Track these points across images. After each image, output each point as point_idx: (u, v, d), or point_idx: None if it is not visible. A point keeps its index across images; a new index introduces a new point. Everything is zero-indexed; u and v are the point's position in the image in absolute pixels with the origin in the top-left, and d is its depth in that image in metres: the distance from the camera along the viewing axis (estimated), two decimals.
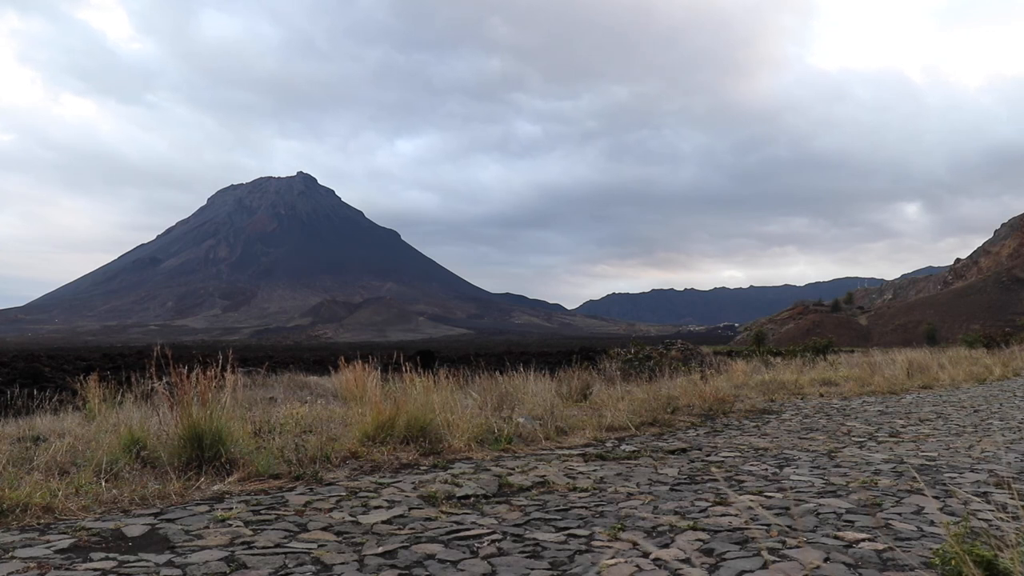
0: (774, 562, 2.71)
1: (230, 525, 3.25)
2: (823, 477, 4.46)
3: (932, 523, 3.32)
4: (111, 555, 2.82)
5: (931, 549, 2.78)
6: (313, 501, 3.73)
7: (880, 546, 2.94)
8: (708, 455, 5.30)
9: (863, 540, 3.03)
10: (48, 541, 2.99)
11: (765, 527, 3.20)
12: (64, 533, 3.11)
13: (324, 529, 3.22)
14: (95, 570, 2.63)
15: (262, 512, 3.50)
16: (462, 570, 2.68)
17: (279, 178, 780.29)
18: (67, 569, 2.64)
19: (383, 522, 3.34)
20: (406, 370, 6.61)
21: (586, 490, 4.06)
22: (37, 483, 3.69)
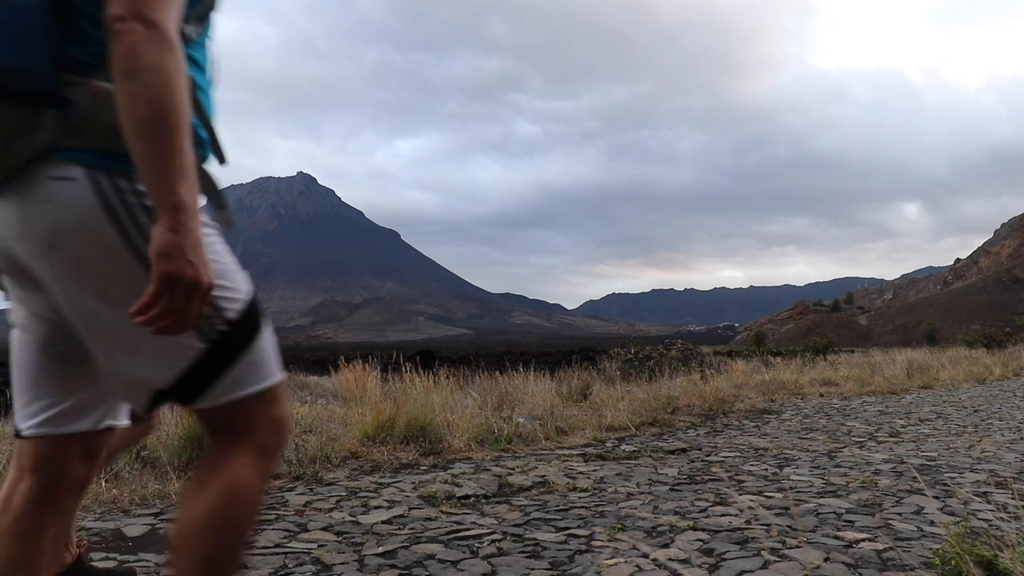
0: (774, 562, 2.72)
1: None
2: (823, 477, 4.46)
3: (932, 523, 3.32)
4: (111, 555, 2.81)
5: (931, 549, 2.78)
6: (313, 501, 3.73)
7: (880, 546, 2.94)
8: (708, 455, 5.30)
9: (863, 540, 3.03)
10: None
11: (765, 527, 3.20)
12: None
13: (324, 529, 3.22)
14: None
15: (262, 512, 3.50)
16: (462, 570, 2.68)
17: (279, 178, 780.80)
18: None
19: (383, 522, 3.34)
20: (406, 370, 6.62)
21: (586, 490, 4.06)
22: None
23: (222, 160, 1.35)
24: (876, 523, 3.33)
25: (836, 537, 3.09)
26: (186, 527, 1.33)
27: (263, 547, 2.93)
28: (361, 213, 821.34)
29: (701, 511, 3.57)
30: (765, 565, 2.68)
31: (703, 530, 3.21)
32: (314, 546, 2.96)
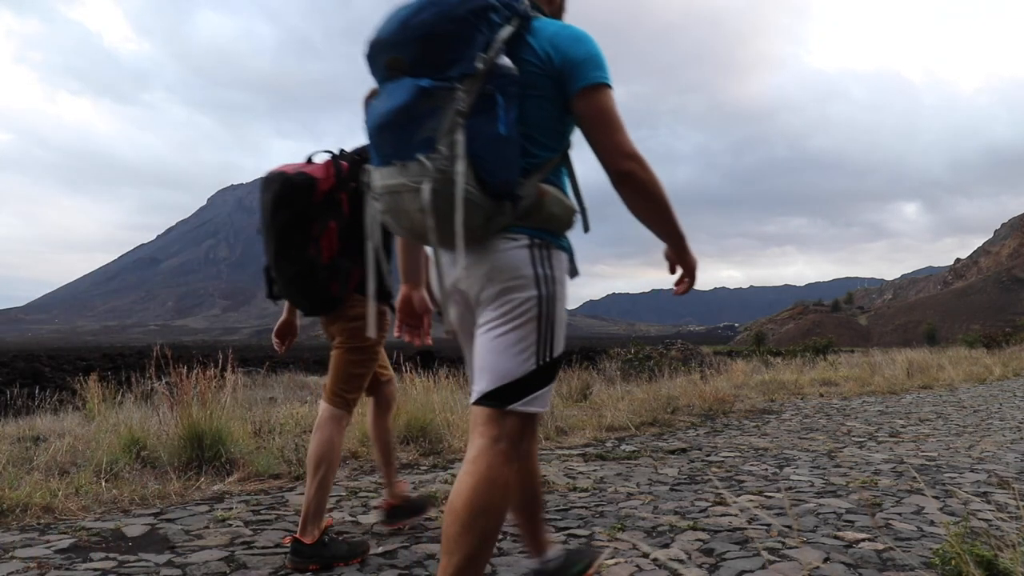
0: (774, 562, 2.72)
1: (230, 525, 3.25)
2: (823, 477, 4.46)
3: (932, 523, 3.32)
4: (111, 555, 2.82)
5: (931, 549, 2.78)
6: None
7: (880, 546, 2.94)
8: (708, 455, 5.30)
9: (863, 540, 3.03)
10: (48, 541, 2.99)
11: (765, 527, 3.20)
12: (64, 533, 3.11)
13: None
14: (95, 570, 2.64)
15: (262, 512, 3.50)
16: None
17: None
18: (67, 569, 2.64)
19: (383, 522, 3.34)
20: (406, 370, 6.62)
21: (586, 490, 4.06)
22: (37, 483, 3.69)
23: (587, 228, 1.93)
24: (876, 523, 3.33)
25: (836, 537, 3.09)
26: (455, 507, 1.71)
27: (263, 547, 2.93)
28: None
29: (701, 511, 3.57)
30: (765, 565, 2.68)
31: (703, 530, 3.21)
32: None
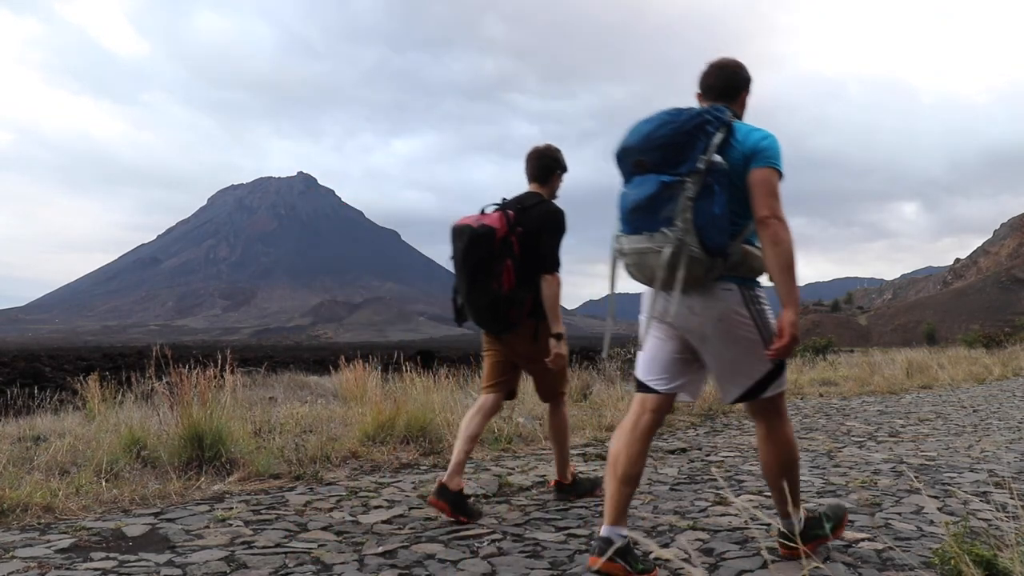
0: (774, 562, 2.72)
1: (230, 525, 3.26)
2: (823, 477, 4.47)
3: (931, 523, 3.32)
4: (111, 555, 2.82)
5: (931, 549, 2.79)
6: (313, 501, 3.73)
7: (880, 546, 2.94)
8: (708, 455, 5.30)
9: (863, 540, 3.03)
10: (48, 541, 2.99)
11: (765, 527, 3.20)
12: (64, 533, 3.11)
13: (324, 529, 3.22)
14: (95, 570, 2.64)
15: (262, 512, 3.50)
16: (462, 570, 2.68)
17: (279, 178, 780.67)
18: (67, 569, 2.65)
19: (383, 522, 3.35)
20: (406, 370, 6.62)
21: None
22: (37, 483, 3.69)
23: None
24: (876, 523, 3.33)
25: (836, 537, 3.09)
26: (767, 467, 2.67)
27: (263, 547, 2.93)
28: (361, 213, 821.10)
29: (701, 511, 3.58)
30: (765, 565, 2.68)
31: (703, 530, 3.22)
32: (314, 546, 2.96)
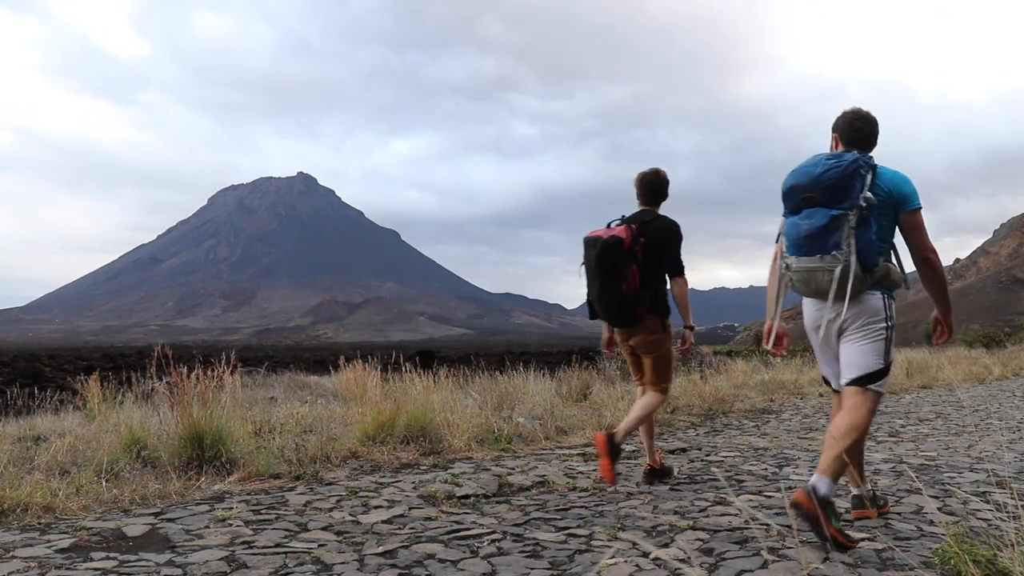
0: (774, 562, 2.72)
1: (230, 525, 3.26)
2: None
3: (931, 523, 3.33)
4: (111, 555, 2.82)
5: (931, 549, 2.79)
6: (313, 501, 3.73)
7: (880, 546, 2.94)
8: (708, 455, 5.30)
9: (863, 540, 3.03)
10: (49, 541, 2.99)
11: (765, 527, 3.20)
12: (64, 533, 3.11)
13: (324, 529, 3.22)
14: (95, 570, 2.64)
15: (262, 512, 3.50)
16: (462, 570, 2.68)
17: (279, 178, 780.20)
18: (68, 569, 2.65)
19: (383, 522, 3.35)
20: (406, 370, 6.62)
21: (586, 490, 4.07)
22: (38, 483, 3.69)
23: (908, 287, 3.32)
24: (876, 523, 3.33)
25: None
26: (835, 429, 3.03)
27: (263, 547, 2.93)
28: (361, 213, 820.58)
29: (701, 511, 3.58)
30: (765, 565, 2.69)
31: (703, 530, 3.22)
32: (314, 546, 2.96)
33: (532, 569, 2.69)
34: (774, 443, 5.91)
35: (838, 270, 2.95)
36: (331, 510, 3.55)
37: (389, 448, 5.06)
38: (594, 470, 4.61)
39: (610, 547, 2.94)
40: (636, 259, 4.07)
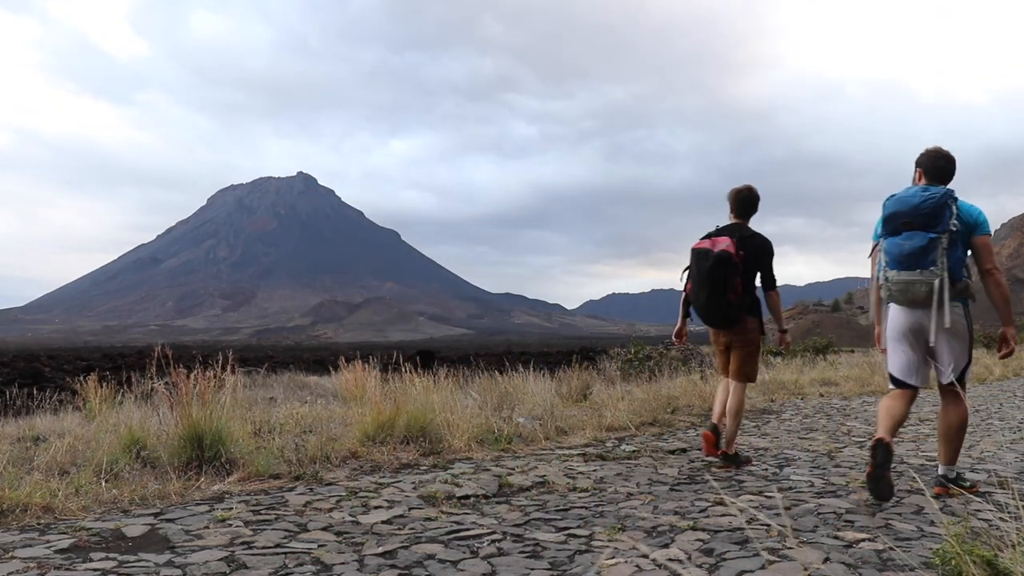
0: (774, 562, 2.72)
1: (230, 525, 3.25)
2: (823, 477, 4.47)
3: (932, 523, 3.32)
4: (111, 555, 2.82)
5: (931, 549, 2.78)
6: (313, 501, 3.73)
7: (880, 546, 2.94)
8: (708, 455, 5.29)
9: (863, 540, 3.03)
10: (48, 541, 2.99)
11: (765, 527, 3.20)
12: (64, 533, 3.11)
13: (324, 529, 3.22)
14: (95, 570, 2.63)
15: (262, 512, 3.50)
16: (462, 570, 2.68)
17: (279, 178, 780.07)
18: (67, 569, 2.64)
19: (383, 522, 3.35)
20: (406, 370, 6.61)
21: (586, 490, 4.06)
22: (37, 483, 3.69)
23: (974, 299, 3.91)
24: (876, 523, 3.33)
25: (836, 537, 3.09)
26: (951, 427, 3.91)
27: (263, 547, 2.93)
28: (361, 213, 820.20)
29: (701, 511, 3.57)
30: (765, 565, 2.68)
31: (703, 530, 3.21)
32: (314, 546, 2.96)
33: (532, 569, 2.69)
34: (774, 443, 5.91)
35: (936, 282, 3.65)
36: (331, 510, 3.55)
37: (389, 448, 5.06)
38: (594, 470, 4.62)
39: (610, 547, 2.93)
40: (739, 271, 4.63)
